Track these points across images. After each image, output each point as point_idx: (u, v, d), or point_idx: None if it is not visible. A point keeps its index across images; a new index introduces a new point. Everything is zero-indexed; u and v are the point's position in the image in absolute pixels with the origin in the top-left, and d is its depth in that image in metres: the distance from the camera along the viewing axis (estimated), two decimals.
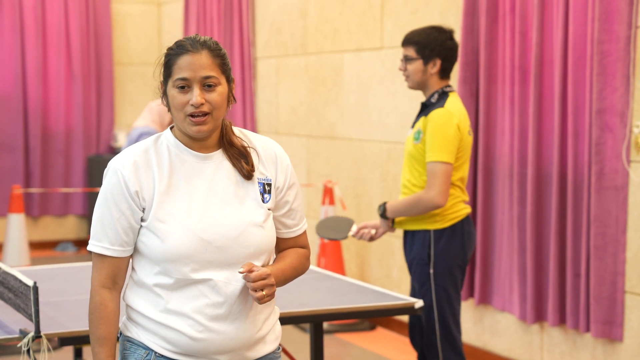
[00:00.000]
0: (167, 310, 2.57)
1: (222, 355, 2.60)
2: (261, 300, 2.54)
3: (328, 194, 7.04)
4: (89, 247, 2.61)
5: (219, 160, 2.64)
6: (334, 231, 4.66)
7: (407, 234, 4.48)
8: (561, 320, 5.25)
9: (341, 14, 7.31)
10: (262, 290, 2.53)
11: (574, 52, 5.10)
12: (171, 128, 2.67)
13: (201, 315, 2.57)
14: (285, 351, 4.26)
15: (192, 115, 2.56)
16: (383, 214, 4.42)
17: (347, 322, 6.86)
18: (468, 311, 5.92)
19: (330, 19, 7.45)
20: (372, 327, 6.98)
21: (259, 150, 2.69)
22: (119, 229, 2.56)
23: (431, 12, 6.33)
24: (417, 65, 4.38)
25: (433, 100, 4.37)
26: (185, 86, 2.55)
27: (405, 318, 6.60)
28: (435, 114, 4.28)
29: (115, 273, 2.60)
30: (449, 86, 4.42)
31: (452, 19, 6.08)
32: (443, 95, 4.37)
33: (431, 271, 4.32)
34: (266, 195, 2.66)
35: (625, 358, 4.98)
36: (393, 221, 4.45)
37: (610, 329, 5.00)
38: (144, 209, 2.57)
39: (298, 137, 7.99)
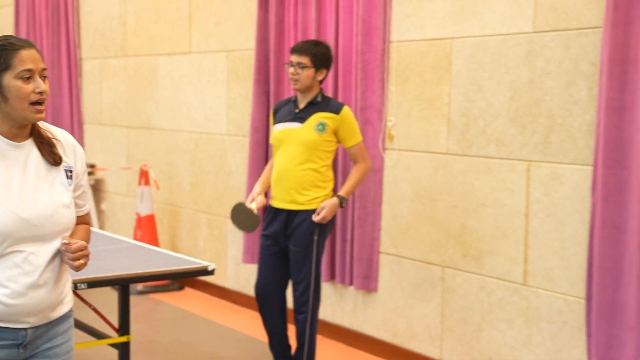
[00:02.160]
0: None
1: (31, 317, 2.58)
2: (79, 268, 2.59)
3: (144, 176, 7.09)
4: None
5: (29, 148, 2.61)
6: (244, 223, 4.60)
7: (290, 212, 4.58)
8: (331, 277, 5.61)
9: (156, 22, 7.40)
10: (80, 259, 2.58)
11: (343, 60, 5.39)
12: None
13: (15, 284, 2.53)
14: (96, 311, 4.34)
15: (38, 103, 2.53)
16: (342, 204, 4.61)
17: (159, 284, 6.95)
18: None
19: (146, 26, 7.53)
20: (180, 288, 7.10)
21: (62, 141, 2.71)
22: None
23: (232, 24, 6.54)
24: (309, 72, 4.57)
25: (319, 99, 4.61)
26: (30, 77, 2.53)
27: (209, 279, 6.86)
28: (346, 110, 4.58)
29: None
30: (322, 89, 4.69)
31: (249, 31, 6.34)
32: (325, 96, 4.65)
33: (315, 237, 4.56)
34: (69, 180, 2.68)
35: (379, 303, 5.37)
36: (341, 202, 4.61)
37: (368, 282, 5.37)
38: None
39: (119, 128, 8.04)
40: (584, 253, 4.17)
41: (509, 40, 4.49)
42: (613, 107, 3.94)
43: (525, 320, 4.48)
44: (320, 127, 4.54)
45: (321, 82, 4.67)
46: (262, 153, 6.08)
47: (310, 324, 4.55)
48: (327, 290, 5.71)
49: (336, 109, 4.57)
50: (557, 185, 4.30)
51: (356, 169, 4.64)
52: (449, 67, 4.83)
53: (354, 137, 4.61)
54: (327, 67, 4.64)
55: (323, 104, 4.60)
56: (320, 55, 4.59)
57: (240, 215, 4.63)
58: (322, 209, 4.54)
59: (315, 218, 4.54)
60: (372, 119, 5.27)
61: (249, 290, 6.36)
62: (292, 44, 5.75)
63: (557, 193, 4.31)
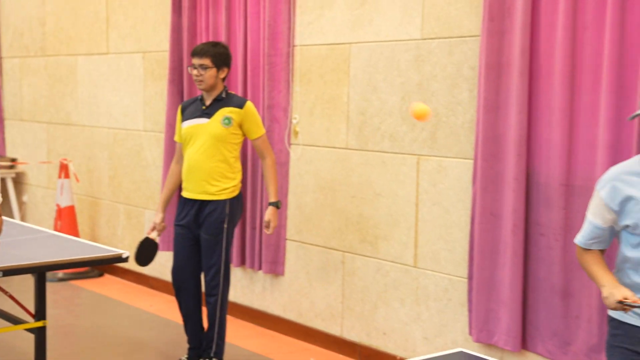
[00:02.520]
0: None
1: None
2: None
3: (64, 169, 7.21)
4: None
5: None
6: (144, 257, 4.94)
7: (201, 202, 4.74)
8: (242, 262, 5.86)
9: (74, 24, 7.51)
10: None
11: (251, 62, 5.64)
12: None
13: None
14: (13, 298, 4.41)
15: None
16: (278, 205, 4.82)
17: (79, 271, 7.08)
18: None
19: (65, 28, 7.63)
20: (100, 275, 7.27)
21: None
22: None
23: (147, 27, 6.74)
24: (212, 72, 4.74)
25: (223, 95, 4.78)
26: None
27: (127, 265, 7.04)
28: (249, 104, 4.76)
29: None
30: (225, 86, 4.86)
31: (163, 34, 6.55)
32: (229, 92, 4.82)
33: (225, 226, 4.75)
34: None
35: (285, 286, 5.66)
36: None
37: (276, 267, 5.65)
38: None
39: (39, 123, 8.13)
40: (466, 237, 4.54)
41: (400, 46, 4.84)
42: (490, 107, 4.29)
43: (415, 299, 4.84)
44: (227, 121, 4.72)
45: (224, 79, 4.84)
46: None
47: (220, 305, 4.77)
48: (238, 274, 5.98)
49: (240, 103, 4.77)
50: (443, 177, 4.66)
51: (266, 168, 4.83)
52: (347, 69, 5.15)
53: (257, 129, 4.81)
54: (228, 66, 4.83)
55: (227, 99, 4.79)
56: (220, 55, 4.77)
57: (143, 251, 4.92)
58: (268, 222, 4.81)
59: (268, 232, 4.84)
60: (278, 116, 5.54)
61: (165, 275, 6.58)
62: None
63: (442, 184, 4.67)
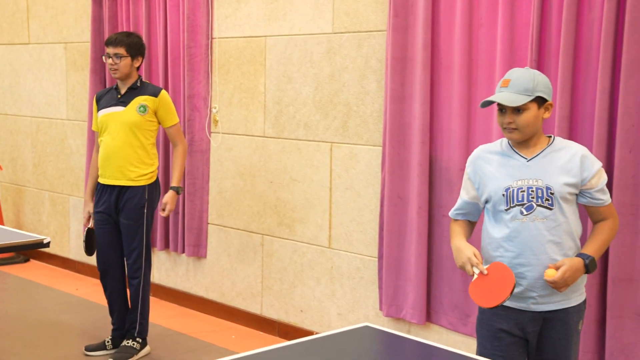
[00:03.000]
0: None
1: None
2: None
3: None
4: None
5: None
6: (92, 246, 5.04)
7: (120, 188, 4.82)
8: (166, 246, 6.03)
9: None
10: None
11: (171, 53, 5.79)
12: None
13: None
14: None
15: None
16: (179, 191, 4.89)
17: (4, 257, 7.13)
18: None
19: None
20: (26, 260, 7.33)
21: None
22: None
23: (67, 18, 6.80)
24: (127, 61, 4.82)
25: (138, 84, 4.85)
26: None
27: (53, 250, 7.14)
28: (164, 93, 4.83)
29: None
30: (140, 75, 4.95)
31: (84, 24, 6.64)
32: (144, 81, 4.90)
33: (144, 211, 4.86)
34: None
35: (207, 268, 5.86)
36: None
37: (198, 250, 5.84)
38: None
39: None
40: (376, 219, 4.81)
41: (313, 39, 5.07)
42: (396, 97, 4.55)
43: (330, 278, 5.10)
44: (142, 108, 4.78)
45: (138, 68, 4.93)
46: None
47: (143, 287, 4.91)
48: (162, 257, 6.15)
49: (155, 92, 4.83)
50: (354, 163, 4.92)
51: (176, 155, 4.92)
52: (263, 61, 5.36)
53: (171, 118, 4.88)
54: (142, 55, 4.92)
55: (142, 88, 4.86)
56: (134, 45, 4.86)
57: (89, 242, 5.03)
58: (166, 204, 4.86)
59: (163, 214, 4.88)
60: (198, 106, 5.71)
61: (91, 260, 6.70)
62: None
63: (354, 169, 4.92)
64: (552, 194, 2.99)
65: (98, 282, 5.29)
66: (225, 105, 5.62)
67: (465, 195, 3.23)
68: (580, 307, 3.12)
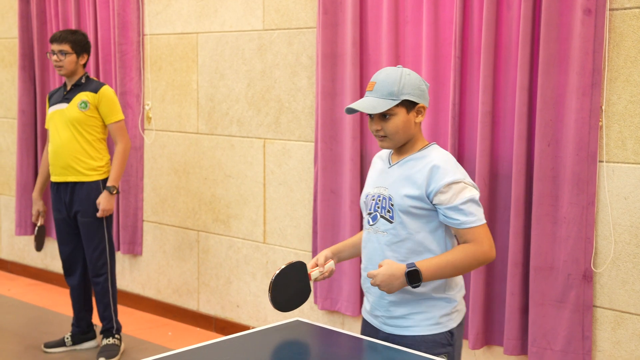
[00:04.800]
0: None
1: None
2: None
3: None
4: None
5: None
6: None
7: (73, 185, 4.88)
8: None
9: None
10: None
11: (102, 50, 5.87)
12: None
13: None
14: None
15: None
16: (112, 191, 4.87)
17: None
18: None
19: None
20: None
21: None
22: None
23: None
24: (72, 58, 4.89)
25: (83, 81, 4.91)
26: None
27: None
28: (107, 89, 4.88)
29: None
30: (86, 72, 4.98)
31: (11, 20, 6.66)
32: (89, 78, 4.94)
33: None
34: None
35: (143, 265, 5.97)
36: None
37: (134, 247, 5.95)
38: None
39: None
40: (310, 214, 4.98)
41: (244, 36, 5.21)
42: (327, 93, 4.71)
43: (265, 272, 5.26)
44: (83, 105, 4.84)
45: (84, 65, 5.01)
46: (30, 133, 6.46)
47: (111, 282, 5.01)
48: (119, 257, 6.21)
49: (95, 88, 4.89)
50: (287, 159, 5.08)
51: (115, 154, 4.95)
52: (195, 57, 5.49)
53: (112, 115, 4.92)
54: (88, 52, 5.00)
55: (86, 84, 4.94)
56: (79, 42, 4.94)
57: (40, 239, 5.09)
58: (99, 204, 4.87)
59: (99, 215, 4.88)
60: (131, 102, 5.81)
61: (24, 259, 6.75)
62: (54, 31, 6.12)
63: (287, 165, 5.09)
64: (392, 205, 2.76)
65: (32, 282, 5.35)
66: (158, 102, 5.73)
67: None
68: (436, 339, 2.78)
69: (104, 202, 4.90)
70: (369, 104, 2.74)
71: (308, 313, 5.00)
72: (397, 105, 2.73)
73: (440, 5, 4.19)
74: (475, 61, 4.06)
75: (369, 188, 2.90)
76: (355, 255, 3.12)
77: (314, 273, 2.95)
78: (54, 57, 4.90)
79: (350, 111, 2.81)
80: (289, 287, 2.94)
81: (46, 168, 5.14)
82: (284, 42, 5.00)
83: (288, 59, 4.99)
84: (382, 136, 2.78)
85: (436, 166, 2.70)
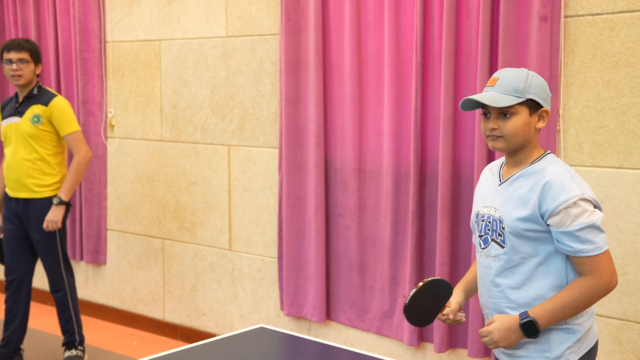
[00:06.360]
0: None
1: None
2: None
3: None
4: None
5: None
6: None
7: (26, 201, 4.84)
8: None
9: None
10: None
11: (63, 58, 5.93)
12: None
13: None
14: None
15: None
16: (62, 202, 4.79)
17: None
18: None
19: None
20: None
21: None
22: None
23: None
24: (31, 67, 4.85)
25: (35, 92, 4.85)
26: None
27: None
28: (58, 100, 4.80)
29: None
30: (39, 82, 4.94)
31: None
32: (42, 88, 4.89)
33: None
34: None
35: (107, 275, 6.04)
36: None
37: (97, 256, 6.00)
38: None
39: None
40: (275, 220, 5.07)
41: (208, 43, 5.29)
42: (290, 100, 4.81)
43: (231, 280, 5.34)
44: (35, 119, 4.78)
45: (38, 75, 4.96)
46: None
47: (70, 296, 5.01)
48: (81, 268, 6.24)
49: (47, 100, 4.80)
50: (252, 165, 5.16)
51: (71, 165, 4.91)
52: (158, 65, 5.56)
53: (66, 127, 4.83)
54: (41, 62, 4.98)
55: (38, 96, 4.84)
56: (36, 51, 4.88)
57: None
58: (49, 219, 4.80)
59: (44, 227, 4.80)
60: (93, 110, 5.87)
61: None
62: (10, 37, 6.14)
63: (252, 172, 5.17)
64: (503, 228, 2.56)
65: None
66: (121, 110, 5.79)
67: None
68: None
69: (49, 213, 4.83)
70: (492, 97, 2.52)
71: (274, 319, 5.09)
72: (520, 104, 2.53)
73: (402, 12, 4.30)
74: (436, 67, 4.18)
75: (479, 206, 2.70)
76: None
77: (445, 311, 2.76)
78: (13, 66, 4.82)
79: (466, 107, 2.60)
80: (426, 302, 2.74)
81: (2, 181, 5.10)
82: (247, 49, 5.09)
83: (252, 66, 5.08)
84: (496, 136, 2.56)
85: (549, 183, 2.48)
